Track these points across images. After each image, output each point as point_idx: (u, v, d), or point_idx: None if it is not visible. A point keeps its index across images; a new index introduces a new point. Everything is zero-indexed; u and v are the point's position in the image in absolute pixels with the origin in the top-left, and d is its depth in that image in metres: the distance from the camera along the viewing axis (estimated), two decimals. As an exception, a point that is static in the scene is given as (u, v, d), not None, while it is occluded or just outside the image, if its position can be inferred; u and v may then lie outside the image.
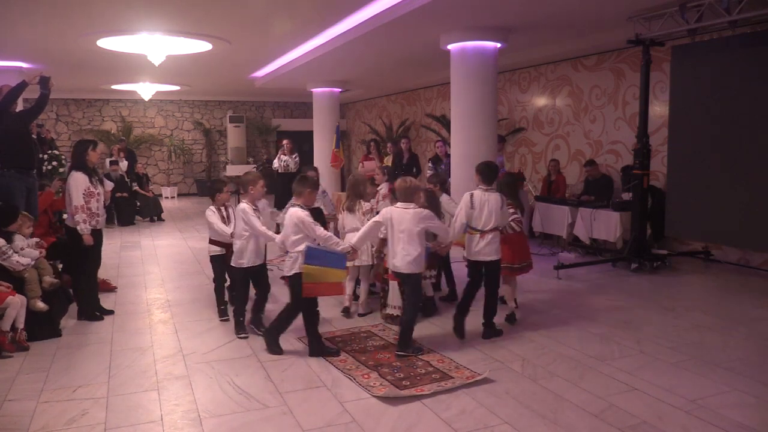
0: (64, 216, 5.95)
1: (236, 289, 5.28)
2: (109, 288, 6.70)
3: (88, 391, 4.01)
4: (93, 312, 5.65)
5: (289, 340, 4.93)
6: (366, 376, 4.18)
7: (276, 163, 11.59)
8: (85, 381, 4.17)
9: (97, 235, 5.58)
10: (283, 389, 3.99)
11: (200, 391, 3.99)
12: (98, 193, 5.51)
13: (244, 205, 5.00)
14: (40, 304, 4.95)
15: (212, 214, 5.45)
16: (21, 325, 4.80)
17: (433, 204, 5.26)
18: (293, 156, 11.44)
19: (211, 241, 5.55)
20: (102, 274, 6.88)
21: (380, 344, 4.85)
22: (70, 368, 4.42)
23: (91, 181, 5.44)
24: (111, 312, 5.80)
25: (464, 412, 3.64)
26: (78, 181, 5.36)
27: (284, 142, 11.86)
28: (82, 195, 5.34)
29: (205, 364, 4.49)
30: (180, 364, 4.50)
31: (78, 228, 5.32)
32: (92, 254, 5.63)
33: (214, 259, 5.59)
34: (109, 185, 5.96)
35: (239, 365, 4.44)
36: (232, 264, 5.15)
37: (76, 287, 5.77)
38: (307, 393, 3.95)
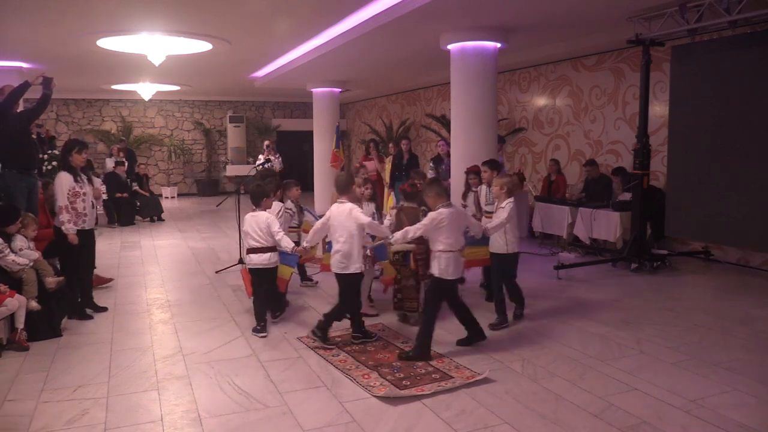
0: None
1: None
2: (103, 282, 6.66)
3: (88, 391, 4.01)
4: (83, 311, 5.62)
5: (290, 340, 4.94)
6: (366, 376, 4.18)
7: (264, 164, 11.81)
8: (85, 381, 4.17)
9: (87, 236, 5.57)
10: (283, 389, 3.99)
11: (200, 391, 3.99)
12: (84, 193, 5.49)
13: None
14: (33, 304, 4.93)
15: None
16: (21, 325, 4.81)
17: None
18: (276, 156, 11.75)
19: (266, 250, 5.06)
20: (102, 273, 6.92)
21: (380, 344, 4.84)
22: (70, 368, 4.42)
23: (76, 181, 5.43)
24: (105, 309, 5.80)
25: (464, 412, 3.65)
26: (62, 181, 5.38)
27: (266, 143, 12.09)
28: (67, 195, 5.35)
29: (205, 364, 4.48)
30: (180, 364, 4.50)
31: (62, 228, 5.33)
32: (82, 255, 5.59)
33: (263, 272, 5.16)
34: (98, 182, 5.93)
35: (239, 365, 4.44)
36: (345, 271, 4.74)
37: (70, 286, 5.75)
38: (307, 393, 3.94)
